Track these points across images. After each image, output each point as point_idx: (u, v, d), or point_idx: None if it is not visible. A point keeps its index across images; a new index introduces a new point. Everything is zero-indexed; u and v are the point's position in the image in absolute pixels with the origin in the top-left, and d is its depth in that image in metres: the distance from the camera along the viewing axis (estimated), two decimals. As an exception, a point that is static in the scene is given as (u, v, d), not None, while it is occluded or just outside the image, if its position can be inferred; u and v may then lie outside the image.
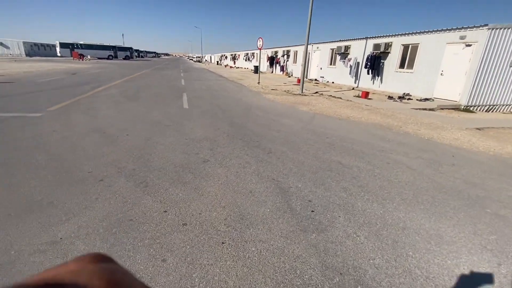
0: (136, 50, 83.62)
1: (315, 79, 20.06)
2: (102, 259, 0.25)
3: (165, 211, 2.44)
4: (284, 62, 26.61)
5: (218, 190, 2.85)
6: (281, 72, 26.89)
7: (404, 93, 12.19)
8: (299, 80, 16.78)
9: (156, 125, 5.42)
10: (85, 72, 18.25)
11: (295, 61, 24.24)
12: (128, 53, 55.88)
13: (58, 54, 47.65)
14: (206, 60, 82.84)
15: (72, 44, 47.89)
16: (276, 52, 28.67)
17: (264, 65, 31.71)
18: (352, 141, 5.04)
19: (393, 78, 13.13)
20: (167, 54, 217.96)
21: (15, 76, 13.87)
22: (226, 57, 55.73)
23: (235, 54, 47.94)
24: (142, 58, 77.43)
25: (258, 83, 15.83)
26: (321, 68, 19.99)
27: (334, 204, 2.73)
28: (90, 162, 3.44)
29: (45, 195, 2.59)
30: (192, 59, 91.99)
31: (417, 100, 11.18)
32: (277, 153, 4.12)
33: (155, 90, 10.69)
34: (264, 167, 3.56)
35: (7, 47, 49.95)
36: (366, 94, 11.77)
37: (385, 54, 13.43)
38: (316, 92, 13.13)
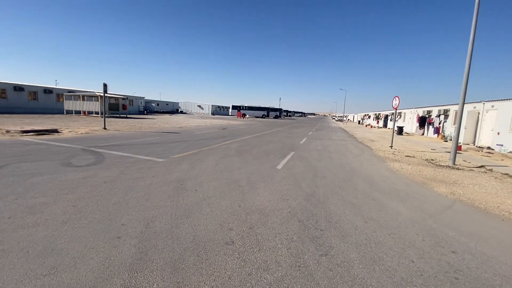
0: (286, 110, 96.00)
1: (488, 147, 14.70)
2: None
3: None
4: (439, 123, 21.60)
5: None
6: (435, 134, 21.82)
7: None
8: (460, 147, 12.80)
9: (230, 184, 5.25)
10: (233, 127, 22.14)
11: (455, 122, 19.14)
12: (277, 113, 65.65)
13: (230, 114, 62.42)
14: (348, 119, 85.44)
15: (239, 106, 61.90)
16: (429, 112, 23.95)
17: (413, 126, 27.04)
18: None
19: None
20: (313, 114, 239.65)
21: (187, 128, 18.66)
22: (369, 117, 53.56)
23: (378, 114, 44.56)
24: (289, 117, 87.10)
25: (391, 146, 13.24)
26: (498, 133, 14.55)
27: None
28: (123, 213, 3.51)
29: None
30: (334, 118, 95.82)
31: None
32: (336, 258, 2.74)
33: (269, 147, 11.10)
34: (293, 282, 2.36)
35: (202, 108, 70.08)
36: None
37: None
38: (482, 166, 9.21)
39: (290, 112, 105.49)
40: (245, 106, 62.45)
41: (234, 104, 62.25)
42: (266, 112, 63.96)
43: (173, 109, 61.50)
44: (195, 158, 7.72)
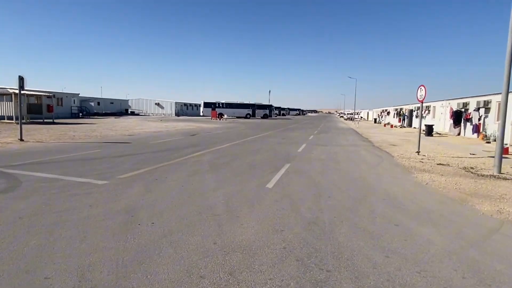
0: (278, 108, 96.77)
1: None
2: None
3: None
4: (479, 119, 22.47)
5: None
6: (474, 134, 22.65)
7: None
8: (507, 150, 13.30)
9: (202, 212, 5.22)
10: (207, 133, 22.16)
11: (498, 117, 19.86)
12: (266, 111, 65.98)
13: (201, 114, 62.32)
14: (360, 117, 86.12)
15: (214, 103, 61.80)
16: (465, 104, 24.88)
17: (446, 124, 27.97)
18: None
19: None
20: (314, 111, 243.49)
21: (140, 136, 18.40)
22: (388, 113, 54.79)
23: (400, 109, 45.83)
24: (283, 117, 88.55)
25: (418, 152, 13.59)
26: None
27: None
28: (47, 261, 3.37)
29: None
30: (343, 116, 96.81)
31: None
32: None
33: (256, 158, 11.18)
34: None
35: (162, 107, 69.39)
36: None
37: None
38: (536, 174, 9.63)
39: (284, 109, 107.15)
40: (222, 103, 62.40)
41: (206, 101, 61.91)
42: (251, 110, 64.38)
43: (120, 110, 60.41)
44: (151, 177, 7.61)
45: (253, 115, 64.24)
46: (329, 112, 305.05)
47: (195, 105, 78.47)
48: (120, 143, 14.79)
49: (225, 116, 58.56)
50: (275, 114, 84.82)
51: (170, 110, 69.76)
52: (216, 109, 60.35)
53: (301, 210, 5.54)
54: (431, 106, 33.28)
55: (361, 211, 5.56)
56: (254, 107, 64.47)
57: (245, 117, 62.95)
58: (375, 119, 60.70)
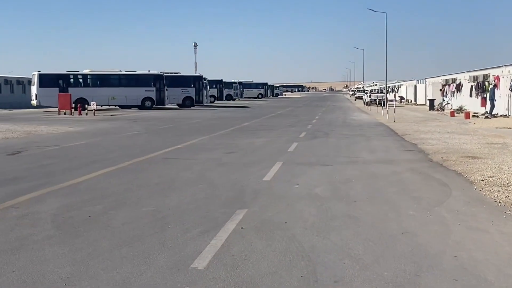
0: (240, 83, 67.27)
1: None
2: None
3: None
4: None
5: None
6: None
7: None
8: None
9: None
10: (42, 147, 13.20)
11: None
12: (195, 93, 39.08)
13: (34, 101, 33.88)
14: (400, 97, 48.02)
15: (65, 76, 34.69)
16: None
17: None
18: None
19: None
20: (300, 88, 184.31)
21: None
22: (458, 86, 33.18)
23: (486, 75, 26.38)
24: (239, 103, 54.69)
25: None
26: None
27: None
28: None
29: None
30: (359, 96, 63.63)
31: None
32: None
33: (169, 201, 6.45)
34: None
35: None
36: None
37: None
38: None
39: (251, 84, 78.62)
40: (89, 75, 35.90)
41: (46, 72, 34.86)
42: (155, 89, 36.01)
43: None
44: None
45: (160, 102, 36.34)
46: (332, 89, 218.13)
47: (21, 81, 44.91)
48: None
49: (94, 105, 30.30)
50: (230, 95, 57.72)
51: None
52: (71, 87, 33.45)
53: None
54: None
55: None
56: (159, 81, 35.98)
57: (139, 107, 35.83)
58: (431, 102, 35.05)
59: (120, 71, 37.00)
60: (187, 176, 8.21)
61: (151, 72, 37.25)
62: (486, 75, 26.18)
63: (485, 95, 25.69)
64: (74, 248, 3.88)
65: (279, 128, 20.13)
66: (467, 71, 30.75)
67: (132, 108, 36.32)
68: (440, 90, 37.61)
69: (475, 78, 27.98)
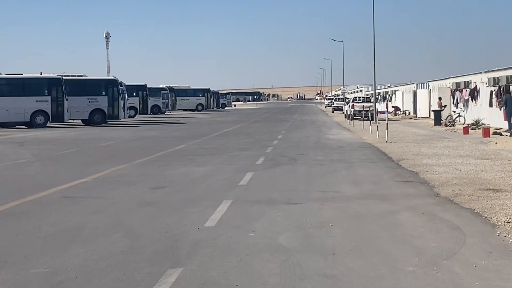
0: (155, 89, 45.79)
1: None
2: None
3: None
4: None
5: None
6: None
7: None
8: None
9: None
10: None
11: None
12: (100, 102, 29.56)
13: None
14: (393, 107, 38.74)
15: None
16: None
17: None
18: None
19: None
20: (275, 96, 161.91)
21: None
22: (475, 91, 25.29)
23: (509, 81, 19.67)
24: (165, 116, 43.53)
25: None
26: None
27: None
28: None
29: None
30: (338, 107, 50.62)
31: None
32: None
33: None
34: None
35: None
36: None
37: None
38: None
39: (188, 91, 63.63)
40: None
41: None
42: (50, 99, 27.41)
43: None
44: None
45: (57, 118, 27.73)
46: (301, 97, 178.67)
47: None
48: None
49: None
50: (164, 104, 44.82)
51: None
52: None
53: None
54: None
55: None
56: (58, 89, 27.37)
57: (29, 124, 27.04)
58: (437, 113, 26.32)
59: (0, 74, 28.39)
60: (97, 221, 6.25)
61: (45, 75, 28.28)
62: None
63: (504, 103, 18.81)
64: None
65: (227, 152, 15.84)
66: (485, 71, 23.99)
67: (17, 126, 27.42)
68: (453, 96, 28.58)
69: (496, 81, 20.88)
